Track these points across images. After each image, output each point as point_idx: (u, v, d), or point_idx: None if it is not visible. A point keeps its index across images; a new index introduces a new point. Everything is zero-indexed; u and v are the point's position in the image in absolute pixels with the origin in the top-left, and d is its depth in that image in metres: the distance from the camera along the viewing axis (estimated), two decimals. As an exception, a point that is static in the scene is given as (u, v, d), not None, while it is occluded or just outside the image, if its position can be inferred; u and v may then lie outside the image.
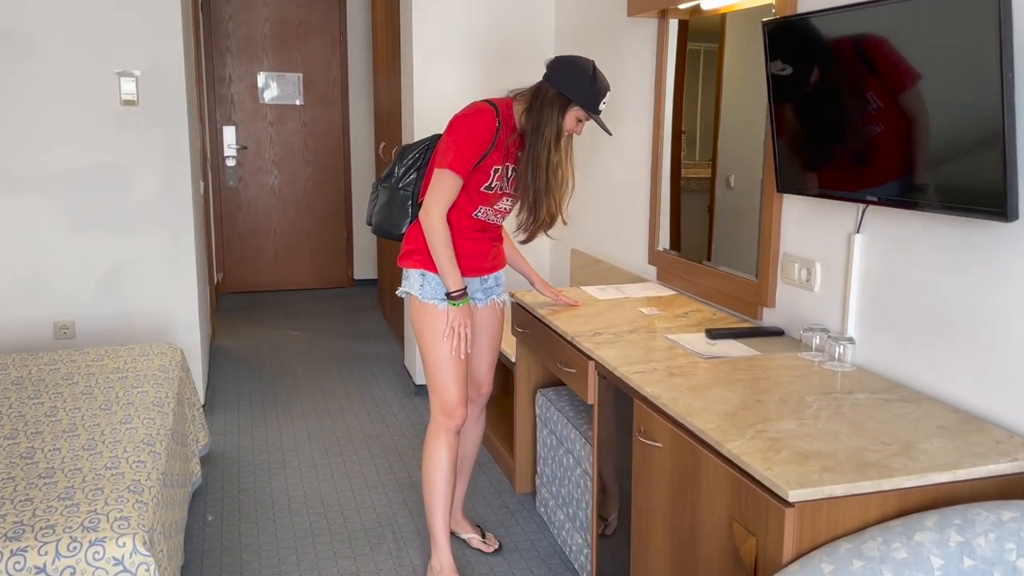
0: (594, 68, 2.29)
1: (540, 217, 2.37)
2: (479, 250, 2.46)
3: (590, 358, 2.24)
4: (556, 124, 2.27)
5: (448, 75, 3.88)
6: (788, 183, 2.17)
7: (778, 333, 2.34)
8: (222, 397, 4.06)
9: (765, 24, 2.11)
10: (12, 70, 3.35)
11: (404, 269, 2.46)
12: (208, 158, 5.76)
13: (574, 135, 2.37)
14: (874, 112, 1.85)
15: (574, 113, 2.28)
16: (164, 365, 2.88)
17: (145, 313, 3.65)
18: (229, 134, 6.08)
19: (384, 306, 5.55)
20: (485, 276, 2.52)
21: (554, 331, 2.49)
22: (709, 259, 2.78)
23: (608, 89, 2.30)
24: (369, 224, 2.62)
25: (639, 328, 2.42)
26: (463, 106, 2.46)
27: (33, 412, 2.43)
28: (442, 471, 2.45)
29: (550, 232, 2.49)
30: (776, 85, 2.13)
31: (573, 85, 2.27)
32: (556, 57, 2.39)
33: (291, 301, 6.12)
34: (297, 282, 6.43)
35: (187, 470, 2.75)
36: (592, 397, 2.26)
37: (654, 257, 3.06)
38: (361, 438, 3.59)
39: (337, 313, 5.78)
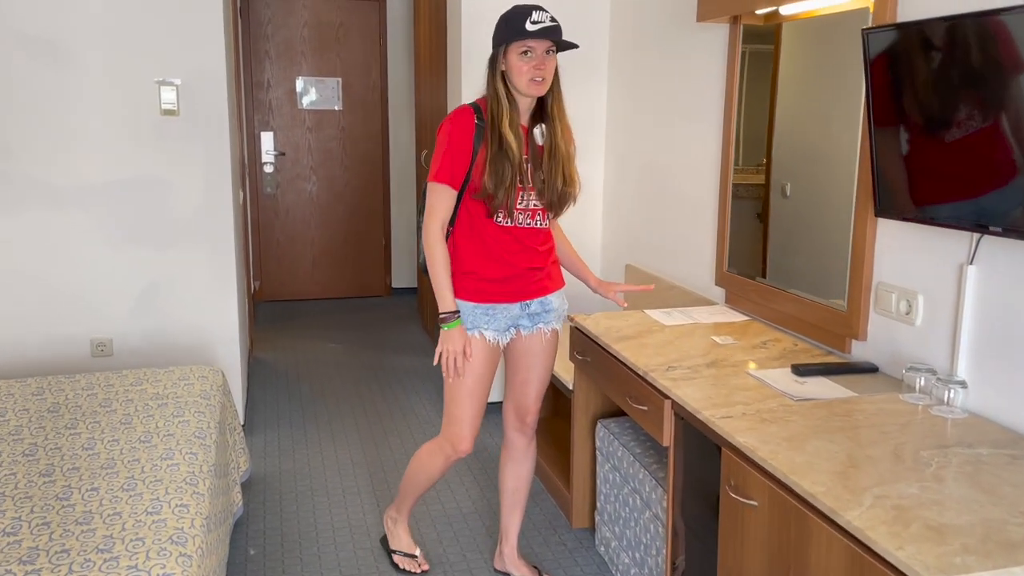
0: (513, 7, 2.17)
1: (548, 195, 2.24)
2: (516, 270, 2.28)
3: (666, 396, 2.05)
4: (496, 79, 2.17)
5: (498, 82, 3.70)
6: (888, 207, 1.97)
7: (871, 370, 2.14)
8: (262, 416, 3.93)
9: (866, 32, 1.91)
10: (51, 79, 3.23)
11: None
12: (246, 165, 5.66)
13: (561, 99, 2.25)
14: (998, 132, 1.65)
15: (514, 54, 2.14)
16: (205, 390, 2.74)
17: (184, 330, 3.52)
18: (267, 140, 5.97)
19: (424, 317, 5.40)
20: (528, 301, 2.33)
21: (622, 363, 2.31)
22: (764, 276, 2.60)
23: (533, 8, 2.14)
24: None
25: (716, 361, 2.23)
26: None
27: (70, 444, 2.30)
28: (427, 478, 2.48)
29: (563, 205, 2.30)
30: (877, 99, 1.92)
31: (495, 35, 2.19)
32: None
33: (329, 310, 5.99)
34: (335, 290, 6.30)
35: (229, 502, 2.61)
36: (668, 439, 2.07)
37: (722, 278, 2.86)
38: (406, 463, 3.43)
39: (376, 324, 5.64)
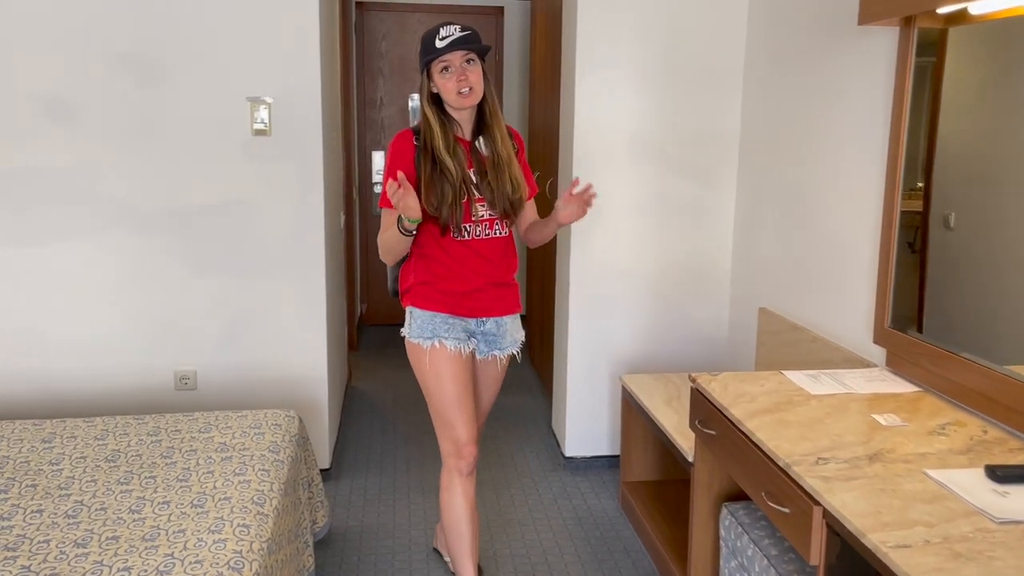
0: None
1: (500, 204, 2.24)
2: (478, 283, 2.29)
3: (815, 501, 1.59)
4: (426, 97, 2.23)
5: (616, 101, 3.31)
6: None
7: (1101, 479, 1.60)
8: (351, 458, 3.65)
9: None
10: (141, 98, 3.08)
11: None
12: (356, 184, 5.48)
13: (496, 105, 2.27)
14: None
15: (436, 73, 2.19)
16: (276, 441, 2.46)
17: (269, 364, 3.29)
18: (378, 159, 5.78)
19: (531, 349, 5.03)
20: (483, 319, 2.32)
21: (757, 446, 1.85)
22: (920, 327, 2.07)
23: (441, 25, 2.19)
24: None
25: (881, 452, 1.75)
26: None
27: (117, 506, 2.06)
28: (463, 521, 2.39)
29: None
30: None
31: (419, 61, 2.25)
32: None
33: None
34: (442, 316, 6.02)
35: (297, 568, 2.31)
36: (817, 556, 1.61)
37: (883, 336, 2.35)
38: (500, 524, 3.06)
39: (481, 354, 5.32)
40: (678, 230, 3.44)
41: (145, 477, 2.21)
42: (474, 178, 2.24)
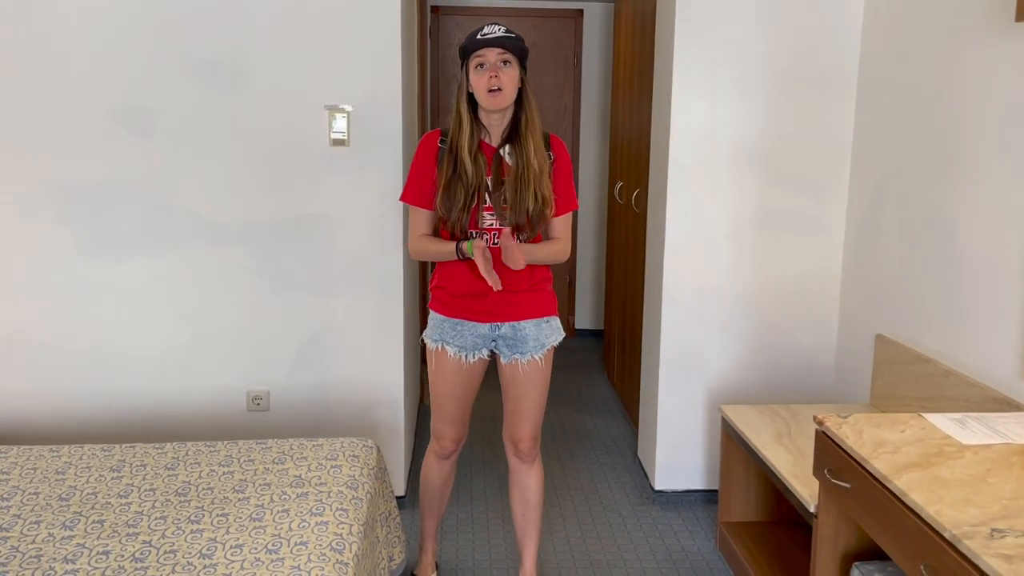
0: None
1: (513, 216, 2.22)
2: (483, 288, 2.26)
3: (1000, 588, 1.33)
4: (463, 96, 2.23)
5: (715, 106, 3.06)
6: None
7: None
8: (426, 482, 3.47)
9: None
10: (214, 105, 2.95)
11: None
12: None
13: (534, 116, 2.24)
14: None
15: (472, 69, 2.19)
16: (354, 476, 2.29)
17: (344, 385, 3.13)
18: (451, 168, 5.61)
19: (610, 368, 4.79)
20: (498, 323, 2.32)
21: (910, 509, 1.59)
22: None
23: (487, 23, 2.20)
24: None
25: (1069, 525, 1.47)
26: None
27: (187, 548, 1.90)
28: (435, 492, 2.58)
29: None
30: None
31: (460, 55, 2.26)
32: None
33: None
34: (514, 330, 5.83)
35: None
36: (1001, 654, 1.34)
37: (1040, 375, 2.05)
38: (587, 565, 2.83)
39: (557, 372, 5.09)
40: (781, 246, 3.17)
41: (217, 515, 2.06)
42: (489, 186, 2.23)
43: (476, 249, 2.16)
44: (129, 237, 3.01)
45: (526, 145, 2.22)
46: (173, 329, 3.07)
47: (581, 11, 5.46)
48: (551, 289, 2.44)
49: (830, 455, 1.95)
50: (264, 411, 3.13)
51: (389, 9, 2.95)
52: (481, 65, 2.17)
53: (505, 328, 2.33)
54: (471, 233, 2.25)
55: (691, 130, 3.08)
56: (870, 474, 1.77)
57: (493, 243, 2.27)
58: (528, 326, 2.33)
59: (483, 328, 2.33)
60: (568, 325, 5.82)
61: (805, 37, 3.04)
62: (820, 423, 2.00)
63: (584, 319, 5.84)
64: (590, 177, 5.66)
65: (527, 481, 2.50)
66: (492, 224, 2.25)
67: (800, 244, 3.16)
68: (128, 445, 2.47)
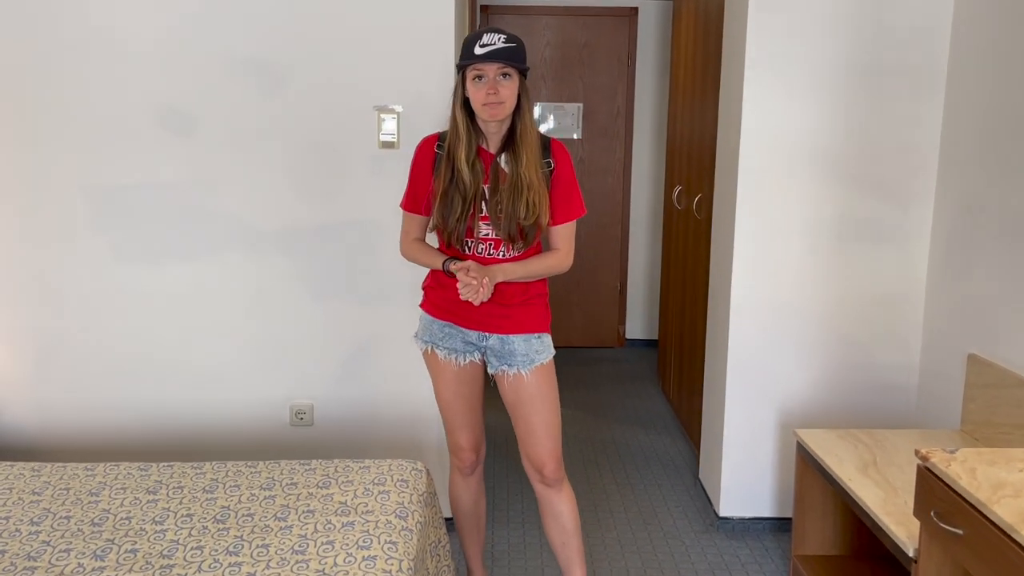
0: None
1: (506, 226, 2.13)
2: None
3: None
4: (459, 102, 2.14)
5: (790, 107, 2.85)
6: None
7: None
8: (474, 502, 3.30)
9: None
10: (258, 106, 2.83)
11: None
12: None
13: (530, 124, 2.14)
14: None
15: (469, 80, 2.08)
16: (403, 503, 2.12)
17: (389, 399, 2.98)
18: (498, 172, 5.46)
19: (664, 380, 4.58)
20: (486, 333, 2.24)
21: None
22: None
23: (485, 31, 2.06)
24: None
25: None
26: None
27: (223, 585, 1.75)
28: (468, 516, 2.51)
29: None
30: None
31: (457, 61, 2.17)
32: None
33: (557, 363, 5.33)
34: (562, 339, 5.61)
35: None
36: None
37: None
38: (649, 598, 2.64)
39: (608, 383, 4.90)
40: (860, 257, 2.93)
41: (257, 546, 1.91)
42: (486, 194, 2.16)
43: (459, 273, 2.10)
44: (167, 243, 2.89)
45: (519, 155, 2.14)
46: (212, 339, 2.95)
47: (636, 9, 5.26)
48: (546, 304, 2.33)
49: (937, 496, 1.74)
50: (308, 426, 2.99)
51: (443, 7, 2.79)
52: (479, 77, 2.07)
53: (493, 340, 2.26)
54: (466, 242, 2.18)
55: (762, 132, 2.87)
56: (990, 521, 1.55)
57: (488, 254, 2.19)
58: (517, 340, 2.25)
59: (471, 335, 2.26)
60: (618, 335, 5.62)
61: (888, 30, 2.81)
62: (924, 458, 1.79)
63: (635, 329, 5.63)
64: (643, 181, 5.46)
65: (559, 508, 2.35)
66: (488, 234, 2.18)
67: (881, 254, 2.93)
68: (166, 465, 2.34)
